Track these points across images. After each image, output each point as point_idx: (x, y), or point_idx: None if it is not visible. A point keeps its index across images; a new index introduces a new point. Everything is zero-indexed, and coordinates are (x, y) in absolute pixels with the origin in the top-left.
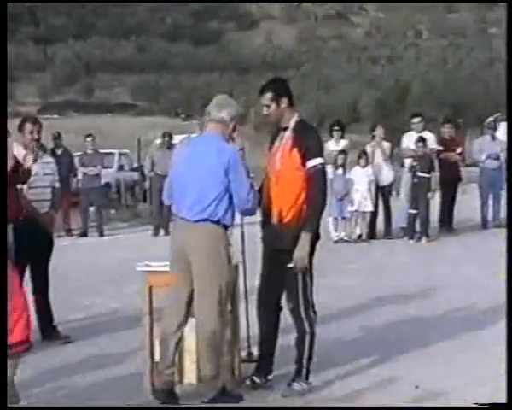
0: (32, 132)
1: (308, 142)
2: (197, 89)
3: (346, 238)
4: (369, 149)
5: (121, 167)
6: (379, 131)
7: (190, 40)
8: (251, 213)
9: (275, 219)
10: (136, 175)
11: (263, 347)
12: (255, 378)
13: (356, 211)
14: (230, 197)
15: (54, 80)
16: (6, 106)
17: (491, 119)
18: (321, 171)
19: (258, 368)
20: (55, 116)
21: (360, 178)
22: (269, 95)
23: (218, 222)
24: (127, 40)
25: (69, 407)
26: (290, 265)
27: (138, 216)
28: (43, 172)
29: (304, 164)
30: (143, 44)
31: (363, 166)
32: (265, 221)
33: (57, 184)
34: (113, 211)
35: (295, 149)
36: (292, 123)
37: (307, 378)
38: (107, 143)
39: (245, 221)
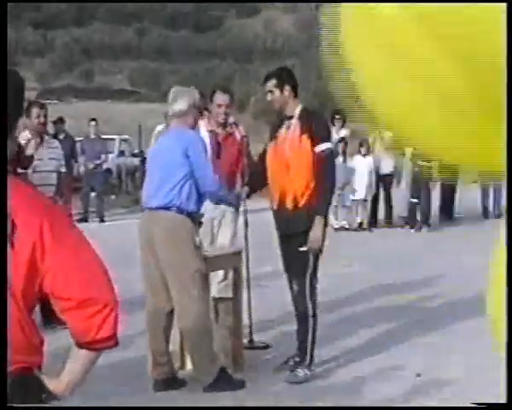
0: (38, 116)
1: (316, 127)
2: (197, 76)
3: (346, 226)
4: (370, 138)
5: (122, 153)
6: None
7: (190, 27)
8: (221, 198)
9: (289, 205)
10: (136, 161)
11: None
12: None
13: (357, 199)
14: (196, 186)
15: (53, 65)
16: (6, 104)
17: None
18: (329, 156)
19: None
20: (55, 101)
21: (361, 167)
22: (273, 81)
23: (180, 209)
24: (127, 26)
25: (70, 406)
26: (303, 248)
27: (139, 202)
28: (48, 156)
29: (313, 149)
30: (143, 30)
31: (364, 155)
32: (278, 209)
33: (63, 169)
34: (113, 197)
35: (305, 136)
36: (297, 112)
37: (310, 364)
38: (106, 128)
39: (248, 208)
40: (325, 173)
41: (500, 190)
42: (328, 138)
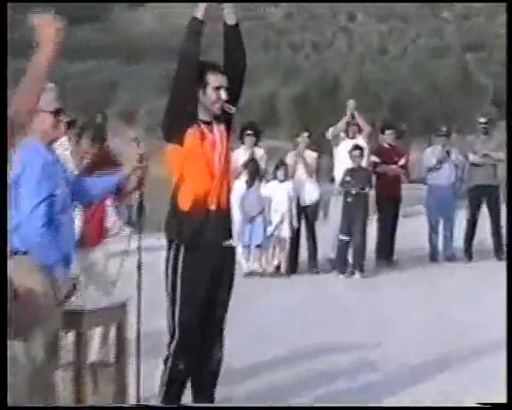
0: None
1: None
2: (72, 77)
3: (259, 271)
4: (289, 159)
5: None
6: (303, 138)
7: (67, 17)
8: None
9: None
10: None
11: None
12: None
13: (272, 236)
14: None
15: None
16: (6, 104)
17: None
18: None
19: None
20: None
21: (277, 196)
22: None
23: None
24: None
25: (72, 407)
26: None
27: None
28: None
29: None
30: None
31: (282, 181)
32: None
33: None
34: None
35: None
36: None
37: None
38: None
39: (143, 246)
40: None
41: (452, 226)
42: None
